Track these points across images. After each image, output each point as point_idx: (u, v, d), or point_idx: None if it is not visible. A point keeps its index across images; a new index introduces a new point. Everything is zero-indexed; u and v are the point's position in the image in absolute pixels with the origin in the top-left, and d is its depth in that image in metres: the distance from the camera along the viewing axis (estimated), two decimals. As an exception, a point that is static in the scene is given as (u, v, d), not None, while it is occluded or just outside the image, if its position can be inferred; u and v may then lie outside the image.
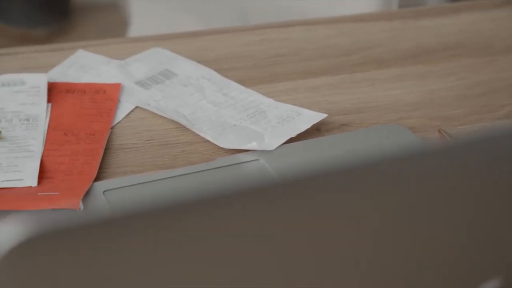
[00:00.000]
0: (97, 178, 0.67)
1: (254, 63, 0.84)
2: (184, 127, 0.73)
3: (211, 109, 0.75)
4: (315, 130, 0.74)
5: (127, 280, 0.31)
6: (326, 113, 0.75)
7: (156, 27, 1.31)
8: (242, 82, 0.80)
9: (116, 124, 0.74)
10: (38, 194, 0.63)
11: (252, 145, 0.70)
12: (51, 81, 0.77)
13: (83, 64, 0.81)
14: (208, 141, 0.72)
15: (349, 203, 0.37)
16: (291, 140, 0.71)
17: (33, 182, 0.65)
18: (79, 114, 0.74)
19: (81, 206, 0.62)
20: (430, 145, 0.38)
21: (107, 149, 0.71)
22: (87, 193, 0.64)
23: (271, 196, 0.34)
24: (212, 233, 0.33)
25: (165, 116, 0.74)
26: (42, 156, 0.68)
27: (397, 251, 0.41)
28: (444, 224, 0.41)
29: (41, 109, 0.74)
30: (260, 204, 0.34)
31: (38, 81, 0.76)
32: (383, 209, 0.39)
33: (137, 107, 0.76)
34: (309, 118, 0.74)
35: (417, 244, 0.41)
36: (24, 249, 0.29)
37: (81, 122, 0.73)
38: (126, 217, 0.30)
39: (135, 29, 1.32)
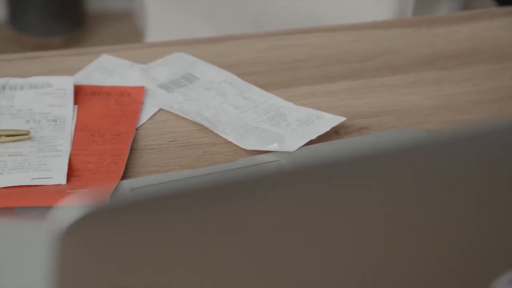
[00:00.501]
0: (123, 177, 0.69)
1: (273, 68, 0.86)
2: (207, 128, 0.75)
3: (232, 112, 0.77)
4: (334, 133, 0.76)
5: (179, 258, 0.33)
6: (344, 116, 0.77)
7: (171, 35, 1.33)
8: (262, 86, 0.82)
9: (141, 125, 0.76)
10: (68, 191, 0.65)
11: (274, 147, 0.72)
12: (77, 84, 0.79)
13: (108, 68, 0.83)
14: (230, 142, 0.74)
15: (360, 193, 0.39)
16: (310, 142, 0.74)
17: (62, 180, 0.67)
18: (105, 116, 0.76)
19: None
20: (441, 136, 0.40)
21: (132, 150, 0.73)
22: (115, 191, 0.66)
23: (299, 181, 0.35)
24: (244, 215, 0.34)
25: (188, 118, 0.76)
26: (70, 155, 0.70)
27: (409, 244, 0.42)
28: (457, 216, 0.42)
29: (68, 111, 0.76)
30: (290, 190, 0.35)
31: (65, 84, 0.79)
32: (396, 201, 0.40)
33: (160, 109, 0.78)
34: (329, 121, 0.76)
35: (429, 238, 0.42)
36: (82, 225, 0.30)
37: (107, 124, 0.75)
38: (174, 197, 0.32)
39: (151, 38, 1.34)
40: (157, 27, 1.38)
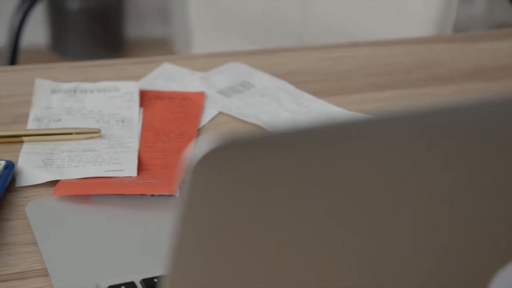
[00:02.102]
0: (188, 172, 0.74)
1: (324, 77, 0.91)
2: (264, 130, 0.80)
3: (287, 116, 0.82)
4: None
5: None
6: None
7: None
8: (313, 94, 0.87)
9: (202, 126, 0.81)
10: (140, 182, 0.70)
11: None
12: (141, 89, 0.85)
13: (169, 75, 0.88)
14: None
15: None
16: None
17: (133, 172, 0.72)
18: (169, 118, 0.81)
19: (178, 193, 0.69)
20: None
21: (195, 148, 0.78)
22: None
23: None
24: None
25: (246, 120, 0.81)
26: (138, 152, 0.75)
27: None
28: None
29: (134, 112, 0.81)
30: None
31: (131, 88, 0.84)
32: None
33: (220, 112, 0.83)
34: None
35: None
36: (214, 156, 0.33)
37: (171, 125, 0.80)
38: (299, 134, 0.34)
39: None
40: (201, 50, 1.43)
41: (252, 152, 0.34)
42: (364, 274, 0.42)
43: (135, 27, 2.68)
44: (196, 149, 0.33)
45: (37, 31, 2.57)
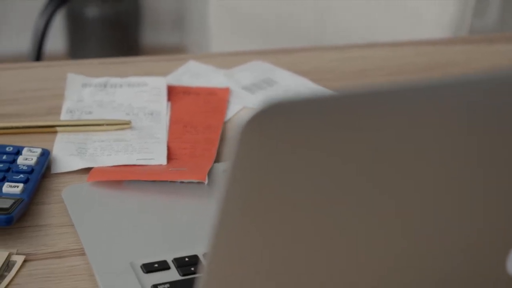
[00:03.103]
0: (215, 162, 0.77)
1: (343, 76, 0.94)
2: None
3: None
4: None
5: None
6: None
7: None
8: (333, 90, 0.90)
9: (227, 120, 0.84)
10: (170, 169, 0.74)
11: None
12: (169, 84, 0.88)
13: (195, 72, 0.92)
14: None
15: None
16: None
17: (163, 161, 0.75)
18: (196, 112, 0.84)
19: (207, 180, 0.72)
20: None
21: (221, 140, 0.81)
22: (209, 173, 0.74)
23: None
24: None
25: (269, 115, 0.84)
26: (167, 143, 0.79)
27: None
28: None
29: (162, 106, 0.84)
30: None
31: (158, 83, 0.87)
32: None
33: (244, 107, 0.86)
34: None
35: None
36: (263, 118, 0.34)
37: (198, 118, 0.83)
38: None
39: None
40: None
41: (301, 116, 0.36)
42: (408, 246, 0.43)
43: (151, 34, 2.72)
44: (249, 111, 0.35)
45: (55, 38, 2.62)
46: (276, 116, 0.36)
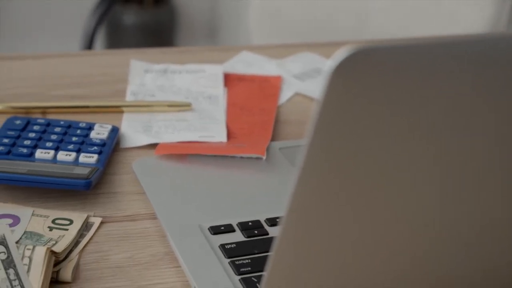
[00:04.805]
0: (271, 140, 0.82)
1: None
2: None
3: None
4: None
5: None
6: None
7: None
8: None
9: (280, 105, 0.90)
10: (229, 145, 0.79)
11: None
12: (224, 72, 0.94)
13: (248, 61, 0.97)
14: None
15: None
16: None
17: (223, 138, 0.81)
18: (250, 97, 0.90)
19: (265, 156, 0.78)
20: None
21: (275, 122, 0.86)
22: (267, 150, 0.79)
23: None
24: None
25: (320, 100, 0.90)
26: (226, 123, 0.84)
27: None
28: None
29: (219, 91, 0.90)
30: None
31: (215, 70, 0.93)
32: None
33: (295, 94, 0.92)
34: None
35: None
36: (353, 62, 0.36)
37: (253, 102, 0.89)
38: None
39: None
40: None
41: (390, 62, 0.37)
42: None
43: (185, 41, 2.78)
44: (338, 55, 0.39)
45: (94, 44, 2.68)
46: (363, 61, 0.39)
